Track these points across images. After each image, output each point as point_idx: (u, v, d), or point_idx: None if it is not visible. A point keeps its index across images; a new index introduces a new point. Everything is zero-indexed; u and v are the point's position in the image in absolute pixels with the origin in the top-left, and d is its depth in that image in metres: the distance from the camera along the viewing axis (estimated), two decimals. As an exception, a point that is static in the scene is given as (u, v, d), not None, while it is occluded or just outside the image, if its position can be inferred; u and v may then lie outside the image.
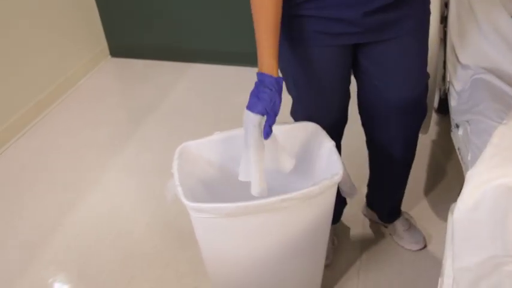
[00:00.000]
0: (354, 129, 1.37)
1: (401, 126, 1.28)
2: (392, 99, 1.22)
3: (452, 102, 1.42)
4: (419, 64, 1.20)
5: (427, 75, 1.25)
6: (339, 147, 1.36)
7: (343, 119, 1.33)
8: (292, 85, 1.24)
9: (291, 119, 1.34)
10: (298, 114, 1.30)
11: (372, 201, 1.55)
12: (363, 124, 1.35)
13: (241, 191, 1.27)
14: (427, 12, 1.17)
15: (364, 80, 1.24)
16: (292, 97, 1.28)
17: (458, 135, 1.31)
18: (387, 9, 1.06)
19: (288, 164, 1.12)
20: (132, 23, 2.70)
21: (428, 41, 1.21)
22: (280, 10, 1.02)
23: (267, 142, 1.04)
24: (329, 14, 1.06)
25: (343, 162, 1.10)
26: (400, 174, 1.42)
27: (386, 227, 1.57)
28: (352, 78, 1.28)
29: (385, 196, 1.51)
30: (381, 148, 1.35)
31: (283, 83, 1.06)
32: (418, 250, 1.49)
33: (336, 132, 1.18)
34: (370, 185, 1.51)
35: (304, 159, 1.27)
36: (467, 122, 1.25)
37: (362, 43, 1.15)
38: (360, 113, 1.33)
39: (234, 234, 1.08)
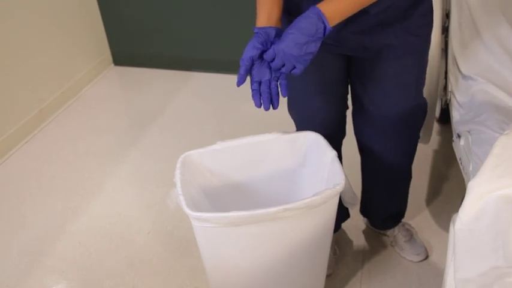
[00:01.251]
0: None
1: (387, 141, 1.28)
2: (375, 115, 1.23)
3: (454, 113, 1.42)
4: (402, 88, 1.18)
5: (419, 100, 1.22)
6: (339, 157, 1.37)
7: (336, 130, 1.32)
8: None
9: (293, 125, 1.35)
10: (293, 112, 1.32)
11: (364, 207, 1.55)
12: (354, 132, 1.36)
13: (243, 200, 1.28)
14: (420, 39, 1.13)
15: (352, 90, 1.27)
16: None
17: (459, 145, 1.31)
18: (365, 32, 1.07)
19: None
20: (135, 32, 2.72)
21: (422, 65, 1.19)
22: None
23: None
24: None
25: (344, 172, 1.10)
26: (392, 184, 1.42)
27: (387, 235, 1.57)
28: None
29: (376, 205, 1.51)
30: (369, 157, 1.37)
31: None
32: (419, 261, 1.49)
33: (332, 144, 1.18)
34: (363, 192, 1.51)
35: (305, 169, 1.27)
36: (469, 132, 1.25)
37: (351, 55, 1.17)
38: (352, 120, 1.34)
39: (236, 243, 1.08)
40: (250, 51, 0.98)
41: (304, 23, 0.93)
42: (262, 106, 0.99)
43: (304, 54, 0.94)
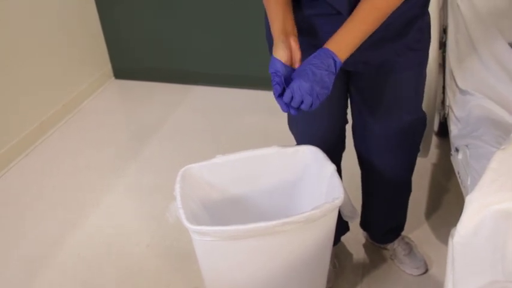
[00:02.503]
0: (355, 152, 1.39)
1: (387, 155, 1.30)
2: (375, 128, 1.24)
3: (452, 127, 1.44)
4: (402, 102, 1.20)
5: (419, 113, 1.24)
6: (339, 170, 1.38)
7: (336, 144, 1.33)
8: None
9: (292, 138, 1.36)
10: (293, 127, 1.33)
11: (364, 221, 1.56)
12: (354, 145, 1.37)
13: (243, 214, 1.28)
14: (419, 53, 1.15)
15: (352, 104, 1.28)
16: None
17: (458, 159, 1.32)
18: (366, 48, 1.07)
19: None
20: (135, 46, 2.75)
21: (421, 79, 1.20)
22: None
23: None
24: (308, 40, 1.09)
25: (344, 186, 1.11)
26: (392, 198, 1.43)
27: (386, 249, 1.57)
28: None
29: (376, 218, 1.51)
30: (369, 170, 1.38)
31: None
32: (419, 275, 1.49)
33: (332, 158, 1.19)
34: (362, 205, 1.51)
35: (305, 183, 1.28)
36: (467, 146, 1.26)
37: (351, 70, 1.18)
38: (352, 133, 1.35)
39: (235, 256, 1.09)
40: (274, 66, 0.98)
41: (315, 60, 0.95)
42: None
43: (320, 89, 0.94)
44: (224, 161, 1.23)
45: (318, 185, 1.21)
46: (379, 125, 1.23)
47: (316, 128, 1.27)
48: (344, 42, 0.97)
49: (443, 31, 1.70)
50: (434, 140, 2.03)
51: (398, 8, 0.99)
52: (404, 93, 1.20)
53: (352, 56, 1.12)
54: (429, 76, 1.31)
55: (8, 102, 2.14)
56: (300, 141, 1.32)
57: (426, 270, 1.49)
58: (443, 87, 1.70)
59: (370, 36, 1.06)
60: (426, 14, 1.13)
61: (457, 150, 1.34)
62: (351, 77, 1.22)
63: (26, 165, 2.15)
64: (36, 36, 2.28)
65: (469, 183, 1.17)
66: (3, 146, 2.12)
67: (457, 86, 1.49)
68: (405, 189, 1.42)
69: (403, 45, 1.11)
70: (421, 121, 1.26)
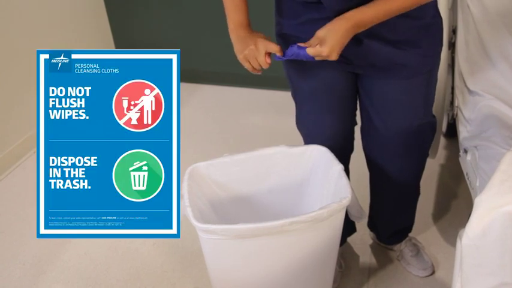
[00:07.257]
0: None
1: (395, 158, 1.29)
2: (383, 132, 1.24)
3: (461, 128, 1.43)
4: (411, 106, 1.19)
5: (428, 118, 1.23)
6: (346, 172, 1.37)
7: (344, 146, 1.32)
8: (293, 95, 1.28)
9: (300, 138, 1.35)
10: (301, 127, 1.33)
11: (372, 221, 1.55)
12: (363, 147, 1.36)
13: (250, 213, 1.28)
14: (430, 59, 1.14)
15: (361, 106, 1.28)
16: (295, 106, 1.30)
17: (466, 161, 1.31)
18: (365, 39, 1.08)
19: None
20: (143, 46, 2.75)
21: (431, 84, 1.19)
22: None
23: None
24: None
25: (351, 186, 1.11)
26: (400, 200, 1.42)
27: (393, 250, 1.56)
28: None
29: (383, 219, 1.51)
30: (377, 173, 1.37)
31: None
32: (426, 276, 1.48)
33: (339, 159, 1.19)
34: (370, 206, 1.51)
35: (312, 182, 1.28)
36: (476, 147, 1.25)
37: (360, 73, 1.18)
38: (361, 135, 1.35)
39: (242, 255, 1.09)
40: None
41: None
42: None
43: None
44: (232, 159, 1.23)
45: (325, 185, 1.21)
46: (387, 128, 1.23)
47: (324, 129, 1.27)
48: (365, 19, 0.99)
49: (453, 31, 1.69)
50: (443, 141, 2.02)
51: (409, 13, 0.98)
52: (413, 98, 1.19)
53: (359, 59, 1.12)
54: (438, 77, 1.30)
55: (16, 100, 2.15)
56: (308, 141, 1.31)
57: (433, 272, 1.48)
58: (452, 88, 1.69)
59: (378, 40, 1.06)
60: (438, 19, 1.12)
61: (465, 151, 1.33)
62: (360, 79, 1.21)
63: (33, 163, 2.16)
64: (44, 35, 2.29)
65: (477, 184, 1.16)
66: (11, 143, 2.13)
67: (466, 86, 1.48)
68: (413, 192, 1.42)
69: (413, 51, 1.10)
70: (431, 126, 1.25)
